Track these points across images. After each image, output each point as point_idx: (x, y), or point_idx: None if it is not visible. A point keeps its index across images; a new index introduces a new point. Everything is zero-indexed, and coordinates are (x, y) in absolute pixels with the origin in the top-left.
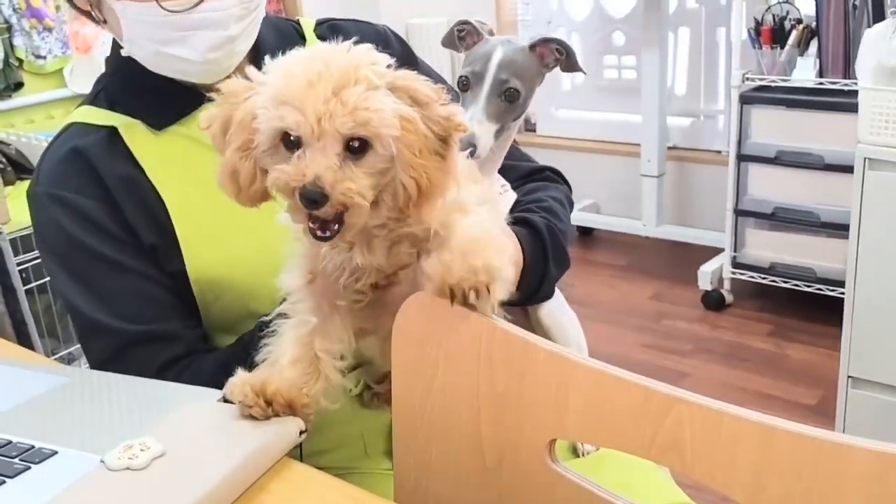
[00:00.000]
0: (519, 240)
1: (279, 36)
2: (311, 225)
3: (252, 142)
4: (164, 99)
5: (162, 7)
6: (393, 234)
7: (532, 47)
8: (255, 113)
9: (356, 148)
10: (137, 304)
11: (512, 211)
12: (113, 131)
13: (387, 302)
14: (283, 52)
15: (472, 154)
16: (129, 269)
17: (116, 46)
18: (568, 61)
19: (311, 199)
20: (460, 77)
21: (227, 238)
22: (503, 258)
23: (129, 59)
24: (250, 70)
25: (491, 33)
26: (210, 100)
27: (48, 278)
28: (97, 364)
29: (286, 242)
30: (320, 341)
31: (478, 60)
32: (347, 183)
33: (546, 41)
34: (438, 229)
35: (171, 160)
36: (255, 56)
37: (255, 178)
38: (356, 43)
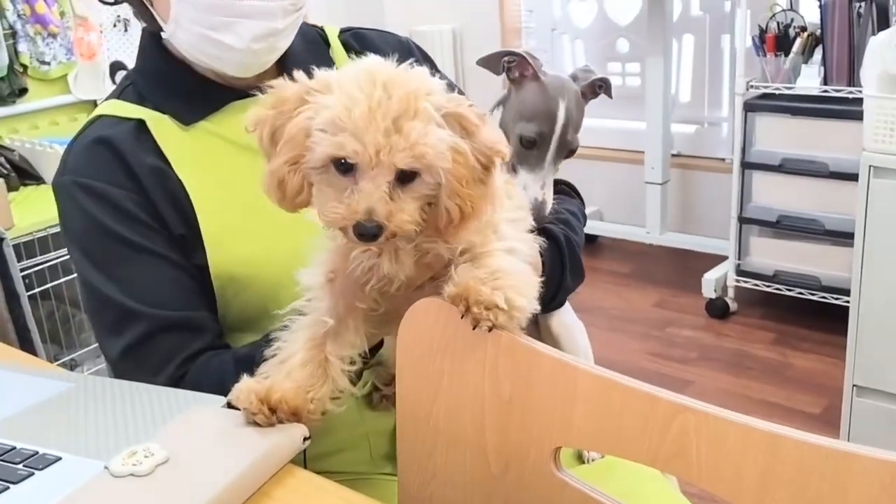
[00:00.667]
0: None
1: (305, 41)
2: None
3: (303, 157)
4: (193, 95)
5: None
6: (421, 248)
7: (574, 78)
8: (309, 131)
9: (405, 176)
10: (168, 291)
11: None
12: (140, 124)
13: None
14: (311, 57)
15: (536, 223)
16: (160, 256)
17: (147, 41)
18: (605, 91)
19: (370, 234)
20: (525, 136)
21: (251, 236)
22: (528, 297)
23: (159, 55)
24: (300, 76)
25: (540, 65)
26: (242, 96)
27: (52, 284)
28: (122, 352)
29: (310, 239)
30: (332, 345)
31: (543, 119)
32: (401, 215)
33: (592, 83)
34: (466, 247)
35: (197, 156)
36: (282, 58)
37: (302, 191)
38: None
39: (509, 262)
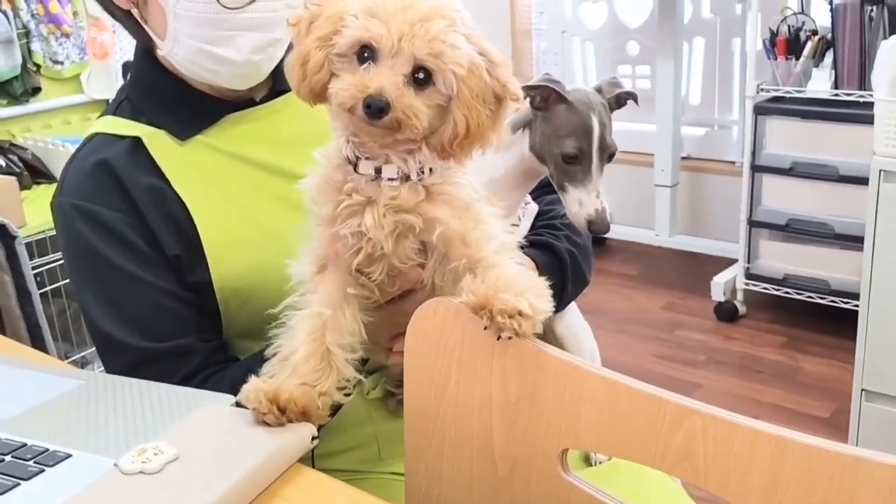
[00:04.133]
0: (539, 265)
1: None
2: (365, 110)
3: (331, 38)
4: (188, 109)
5: (219, 2)
6: (401, 216)
7: (598, 90)
8: (344, 14)
9: (420, 79)
10: (155, 320)
11: (535, 223)
12: (137, 141)
13: (397, 315)
14: None
15: (601, 233)
16: (148, 284)
17: (139, 56)
18: (631, 101)
19: (377, 107)
20: (567, 153)
21: (253, 246)
22: (547, 299)
23: (153, 69)
24: None
25: (563, 87)
26: (237, 108)
27: (63, 282)
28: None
29: (297, 227)
30: (331, 334)
31: (580, 135)
32: (409, 99)
33: (617, 96)
34: (452, 235)
35: (195, 170)
36: (275, 72)
37: (322, 68)
38: None
39: (515, 268)
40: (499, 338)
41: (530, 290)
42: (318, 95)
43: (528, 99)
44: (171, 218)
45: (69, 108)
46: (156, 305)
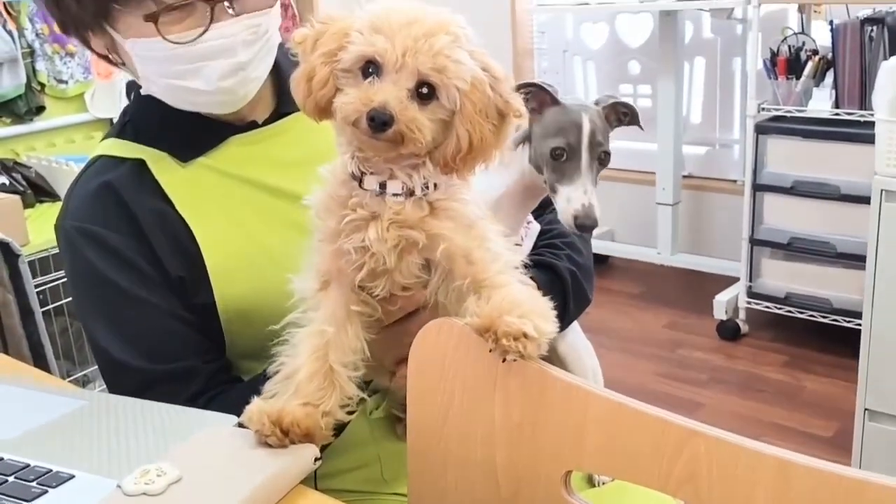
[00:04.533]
0: (540, 286)
1: (293, 62)
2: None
3: (336, 53)
4: (190, 132)
5: (167, 40)
6: (404, 231)
7: (596, 103)
8: (349, 31)
9: (423, 94)
10: (159, 341)
11: (536, 242)
12: (140, 164)
13: (401, 335)
14: None
15: (587, 229)
16: (152, 305)
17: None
18: (631, 120)
19: (381, 120)
20: (555, 148)
21: (257, 268)
22: (552, 320)
23: (150, 96)
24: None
25: (556, 91)
26: (240, 130)
27: (66, 300)
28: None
29: (299, 242)
30: (334, 353)
31: (568, 130)
32: (413, 113)
33: (614, 105)
34: (456, 252)
35: (199, 193)
36: (279, 85)
37: (327, 84)
38: None
39: (519, 289)
40: (504, 360)
41: (535, 311)
42: (324, 111)
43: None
44: (175, 240)
45: (73, 127)
46: (160, 327)
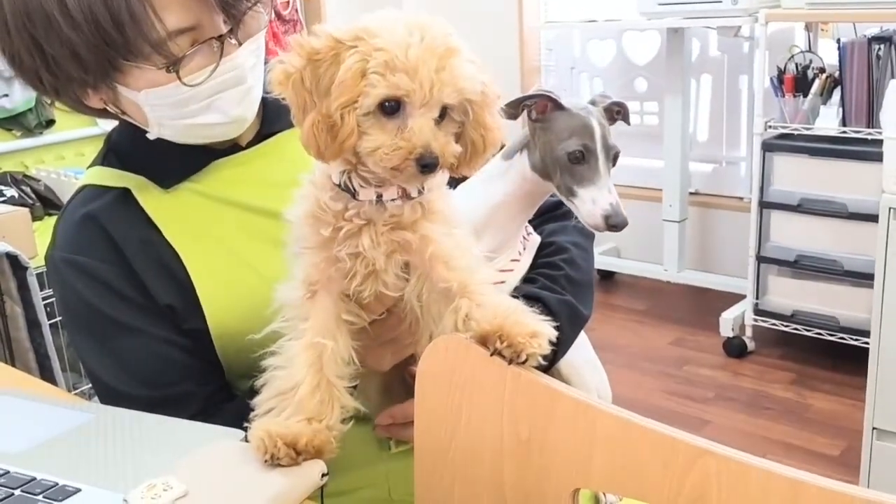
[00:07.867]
0: None
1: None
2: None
3: (356, 99)
4: (173, 156)
5: (184, 84)
6: (398, 233)
7: (592, 103)
8: (364, 73)
9: (442, 112)
10: (153, 368)
11: (536, 257)
12: (125, 192)
13: (382, 331)
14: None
15: (619, 228)
16: (143, 333)
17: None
18: (623, 117)
19: (433, 165)
20: (572, 151)
21: (247, 290)
22: (549, 326)
23: (135, 125)
24: (320, 29)
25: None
26: (222, 154)
27: None
28: None
29: (282, 251)
30: (329, 366)
31: (582, 133)
32: (450, 146)
33: (608, 106)
34: (440, 255)
35: (185, 217)
36: (262, 105)
37: (353, 133)
38: None
39: (507, 298)
40: (510, 362)
41: (531, 314)
42: (347, 150)
43: (525, 112)
44: (164, 267)
45: (82, 140)
46: (153, 354)
